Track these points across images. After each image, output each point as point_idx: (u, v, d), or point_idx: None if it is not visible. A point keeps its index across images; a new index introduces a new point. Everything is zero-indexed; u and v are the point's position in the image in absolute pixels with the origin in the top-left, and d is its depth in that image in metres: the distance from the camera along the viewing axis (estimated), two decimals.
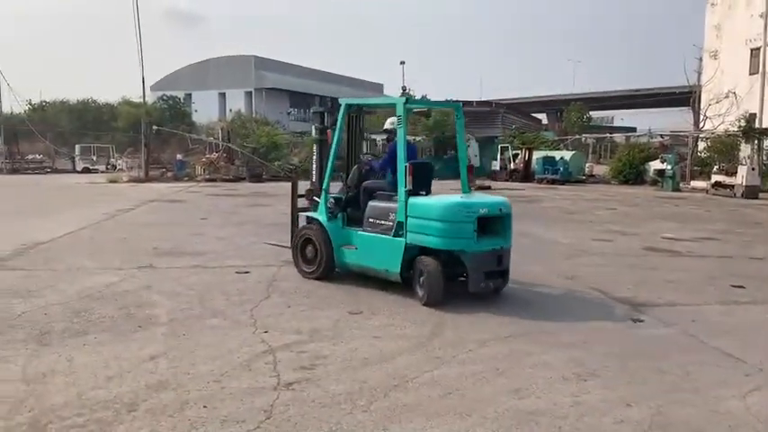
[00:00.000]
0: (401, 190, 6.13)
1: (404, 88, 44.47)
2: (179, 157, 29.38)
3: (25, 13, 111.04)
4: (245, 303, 5.87)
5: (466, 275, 6.08)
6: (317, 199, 7.09)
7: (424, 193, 6.44)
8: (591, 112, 56.66)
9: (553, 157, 29.55)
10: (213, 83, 52.49)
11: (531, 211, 15.51)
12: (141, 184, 23.91)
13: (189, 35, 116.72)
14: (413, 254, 6.10)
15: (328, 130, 7.25)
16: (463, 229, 5.86)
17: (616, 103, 58.12)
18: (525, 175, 29.57)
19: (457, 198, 6.47)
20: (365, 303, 5.93)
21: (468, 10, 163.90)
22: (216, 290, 6.41)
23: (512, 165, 30.94)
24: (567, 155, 30.34)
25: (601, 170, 31.96)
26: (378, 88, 64.01)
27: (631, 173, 28.20)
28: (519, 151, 31.25)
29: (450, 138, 31.55)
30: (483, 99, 44.29)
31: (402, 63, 41.71)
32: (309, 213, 7.22)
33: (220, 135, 30.32)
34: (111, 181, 25.18)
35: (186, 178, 25.98)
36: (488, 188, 24.16)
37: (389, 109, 7.92)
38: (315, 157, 7.50)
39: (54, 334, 4.90)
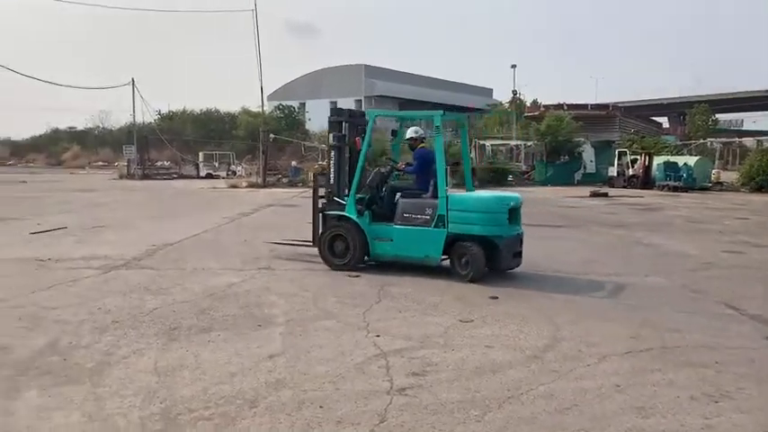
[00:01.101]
0: (442, 189, 7.34)
1: (514, 92, 43.70)
2: (293, 163, 30.55)
3: (154, 28, 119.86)
4: (356, 306, 5.98)
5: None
6: (338, 200, 7.92)
7: (428, 194, 7.66)
8: (717, 115, 53.00)
9: (675, 163, 27.85)
10: (325, 92, 54.17)
11: (652, 220, 14.71)
12: (259, 190, 25.06)
13: (305, 46, 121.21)
14: (450, 241, 7.28)
15: (357, 138, 8.04)
16: (500, 219, 7.29)
17: (746, 105, 54.00)
18: (645, 181, 28.07)
19: (491, 193, 8.25)
20: (476, 312, 5.86)
21: (581, 9, 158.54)
22: (329, 292, 6.58)
23: (630, 171, 29.48)
24: (692, 160, 28.51)
25: (729, 177, 29.77)
26: (487, 93, 63.37)
27: (764, 179, 26.01)
28: (638, 156, 29.73)
29: (563, 142, 30.66)
30: (598, 102, 42.60)
31: (513, 67, 40.90)
32: (336, 212, 7.93)
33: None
34: (232, 186, 26.57)
35: (300, 184, 26.92)
36: (605, 195, 23.13)
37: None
38: (332, 162, 8.13)
39: (182, 330, 5.21)
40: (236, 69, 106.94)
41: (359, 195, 7.80)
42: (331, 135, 8.21)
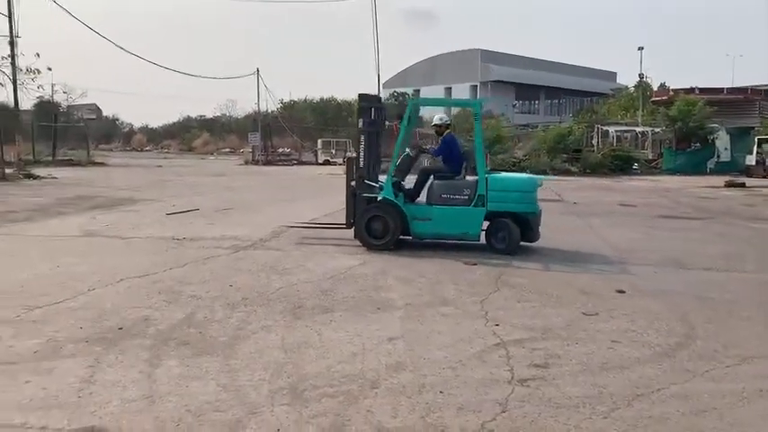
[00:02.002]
0: (482, 170, 8.09)
1: (641, 76, 41.30)
2: (407, 150, 30.67)
3: (277, 19, 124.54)
4: (474, 295, 5.92)
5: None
6: (369, 183, 8.36)
7: (459, 177, 8.41)
8: None
9: None
10: (440, 78, 53.95)
11: None
12: None
13: (421, 33, 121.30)
14: (487, 218, 8.07)
15: (396, 123, 8.79)
16: (532, 197, 8.26)
17: None
18: None
19: (523, 175, 9.78)
20: (601, 305, 5.62)
21: None
22: (446, 279, 6.57)
23: None
24: None
25: None
26: (610, 77, 60.34)
27: None
28: None
29: (694, 129, 28.62)
30: (735, 86, 39.33)
31: (640, 49, 38.65)
32: (375, 195, 8.32)
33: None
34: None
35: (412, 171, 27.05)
36: (742, 185, 21.39)
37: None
38: (362, 146, 8.46)
39: (305, 309, 5.41)
40: (353, 58, 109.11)
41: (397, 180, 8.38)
42: (360, 120, 8.53)
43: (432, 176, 8.53)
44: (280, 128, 43.15)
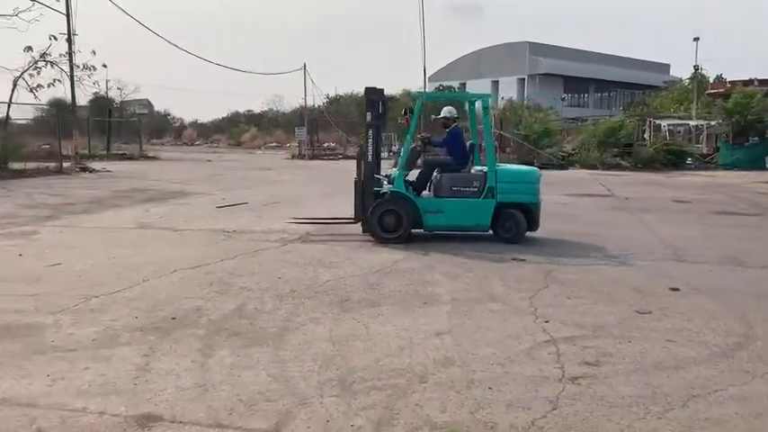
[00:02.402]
0: (492, 163, 8.39)
1: (696, 67, 39.93)
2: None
3: (324, 14, 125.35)
4: (523, 291, 5.85)
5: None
6: (378, 176, 8.48)
7: (465, 169, 8.68)
8: None
9: None
10: (487, 71, 53.35)
11: None
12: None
13: (468, 26, 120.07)
14: (495, 209, 8.28)
15: (407, 117, 8.76)
16: (537, 188, 8.53)
17: None
18: None
19: (528, 167, 10.02)
20: (655, 303, 5.48)
21: None
22: (493, 275, 6.50)
23: None
24: None
25: None
26: (663, 69, 58.65)
27: None
28: None
29: (753, 122, 27.57)
30: None
31: (695, 40, 37.35)
32: (387, 188, 8.38)
33: (492, 123, 30.72)
34: (393, 166, 27.16)
35: None
36: None
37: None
38: (371, 141, 8.46)
39: (352, 302, 5.45)
40: (398, 52, 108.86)
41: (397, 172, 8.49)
42: (368, 114, 8.50)
43: (436, 169, 8.65)
44: (325, 122, 43.45)
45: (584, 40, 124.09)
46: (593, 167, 24.29)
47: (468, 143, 9.00)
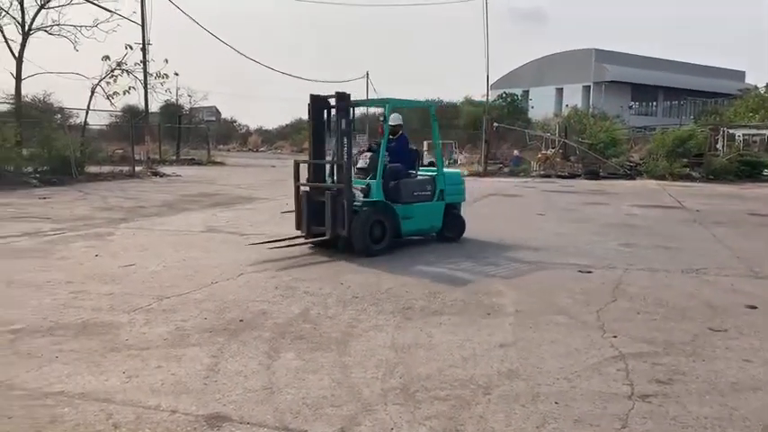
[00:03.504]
0: (440, 167, 9.03)
1: None
2: (516, 152, 30.09)
3: (385, 23, 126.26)
4: (590, 304, 5.71)
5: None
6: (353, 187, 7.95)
7: (413, 172, 8.95)
8: None
9: None
10: (551, 79, 52.42)
11: None
12: (480, 179, 25.16)
13: (531, 33, 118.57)
14: (444, 211, 8.91)
15: (381, 124, 8.98)
16: (464, 188, 9.48)
17: None
18: None
19: (455, 170, 11.25)
20: (730, 321, 5.24)
21: None
22: (559, 287, 6.37)
23: None
24: None
25: None
26: (737, 76, 56.21)
27: None
28: None
29: None
30: None
31: None
32: (367, 199, 8.00)
33: (557, 131, 30.20)
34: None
35: (521, 173, 26.50)
36: None
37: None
38: (345, 149, 7.91)
39: (414, 310, 5.44)
40: (459, 59, 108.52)
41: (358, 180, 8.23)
42: (343, 121, 7.89)
43: (397, 175, 8.48)
44: None
45: (653, 46, 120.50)
46: (662, 178, 23.48)
47: (412, 148, 9.29)
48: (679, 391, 3.80)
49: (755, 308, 5.65)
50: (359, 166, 8.36)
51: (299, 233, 8.24)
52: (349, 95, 8.08)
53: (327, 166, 8.31)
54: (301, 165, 8.41)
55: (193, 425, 3.28)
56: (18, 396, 3.62)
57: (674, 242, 9.23)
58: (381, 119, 8.64)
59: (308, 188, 8.16)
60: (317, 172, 8.26)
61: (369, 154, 8.52)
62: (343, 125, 7.90)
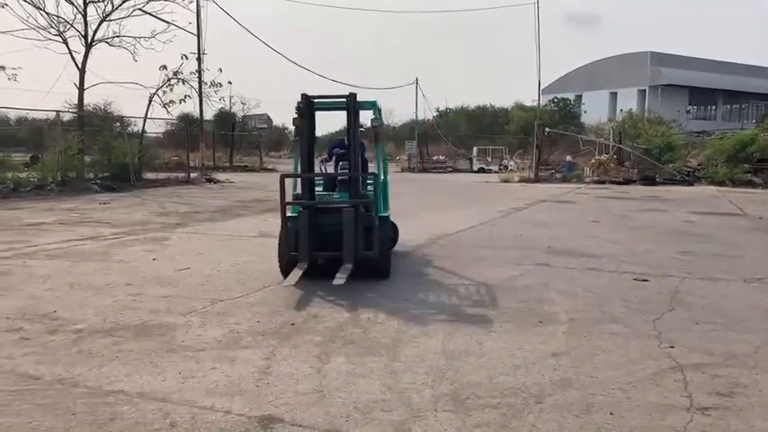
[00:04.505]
0: (387, 174, 8.01)
1: None
2: (568, 158, 29.60)
3: (436, 28, 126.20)
4: (646, 313, 5.55)
5: None
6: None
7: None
8: None
9: None
10: (604, 83, 51.41)
11: None
12: (531, 185, 24.88)
13: (584, 37, 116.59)
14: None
15: (378, 130, 7.49)
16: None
17: None
18: None
19: None
20: None
21: None
22: (614, 295, 6.23)
23: None
24: None
25: None
26: None
27: None
28: None
29: None
30: None
31: None
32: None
33: (611, 135, 29.57)
34: (504, 181, 26.81)
35: (575, 179, 26.04)
36: None
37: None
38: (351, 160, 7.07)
39: (465, 317, 5.41)
40: (510, 64, 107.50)
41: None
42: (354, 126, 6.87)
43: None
44: (435, 136, 43.66)
45: (711, 48, 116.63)
46: (722, 184, 22.69)
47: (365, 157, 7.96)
48: (740, 404, 3.66)
49: None
50: (340, 178, 7.45)
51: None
52: (373, 101, 7.22)
53: (308, 180, 6.97)
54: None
55: (246, 425, 3.34)
56: (80, 394, 3.76)
57: (735, 250, 8.90)
58: (374, 124, 7.43)
59: (305, 207, 6.64)
60: (314, 187, 7.13)
61: (343, 163, 7.65)
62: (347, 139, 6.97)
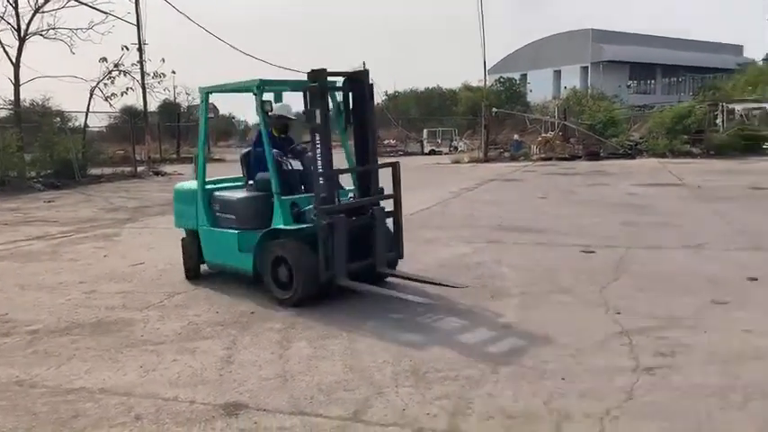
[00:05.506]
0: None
1: None
2: (516, 137, 30.11)
3: (381, 13, 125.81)
4: (593, 283, 5.80)
5: None
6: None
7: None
8: None
9: None
10: (548, 61, 52.28)
11: None
12: (481, 165, 25.24)
13: (528, 16, 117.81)
14: None
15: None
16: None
17: None
18: None
19: None
20: (732, 294, 5.33)
21: None
22: (562, 267, 6.47)
23: None
24: None
25: None
26: (735, 51, 56.01)
27: None
28: None
29: None
30: None
31: None
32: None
33: (556, 113, 30.20)
34: (455, 162, 27.10)
35: (522, 158, 26.53)
36: None
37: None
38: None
39: (421, 295, 5.50)
40: (456, 45, 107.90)
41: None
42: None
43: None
44: (385, 120, 43.73)
45: (650, 23, 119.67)
46: (663, 156, 23.50)
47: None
48: (682, 362, 3.89)
49: (756, 279, 5.74)
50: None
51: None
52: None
53: (297, 173, 6.05)
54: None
55: (212, 413, 3.39)
56: (40, 394, 3.74)
57: (676, 219, 9.31)
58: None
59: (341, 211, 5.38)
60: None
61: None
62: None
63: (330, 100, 5.68)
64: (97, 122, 28.86)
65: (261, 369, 3.97)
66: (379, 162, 5.89)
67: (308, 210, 5.35)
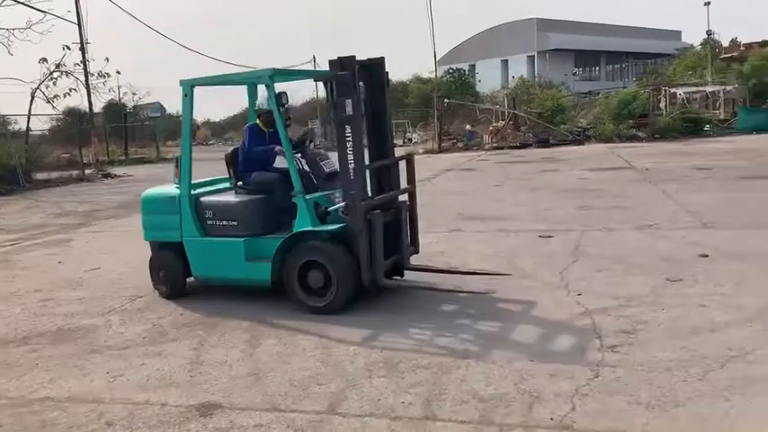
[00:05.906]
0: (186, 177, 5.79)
1: (708, 33, 39.46)
2: (468, 127, 30.40)
3: (333, 5, 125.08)
4: (553, 266, 5.94)
5: None
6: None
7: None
8: None
9: None
10: (496, 51, 52.97)
11: None
12: (435, 155, 25.40)
13: (476, 6, 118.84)
14: None
15: None
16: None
17: None
18: None
19: None
20: (685, 271, 5.54)
21: None
22: (522, 252, 6.61)
23: None
24: None
25: None
26: (674, 36, 57.81)
27: None
28: None
29: None
30: None
31: (707, 4, 36.86)
32: None
33: (505, 103, 30.64)
34: (409, 153, 27.22)
35: (475, 147, 26.82)
36: None
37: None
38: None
39: (386, 286, 5.56)
40: (406, 37, 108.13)
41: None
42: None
43: None
44: None
45: (593, 11, 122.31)
46: (610, 141, 24.12)
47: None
48: (644, 339, 4.04)
49: (707, 256, 5.98)
50: (328, 170, 5.71)
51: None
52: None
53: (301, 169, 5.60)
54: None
55: (186, 415, 3.35)
56: (3, 405, 3.63)
57: (627, 201, 9.59)
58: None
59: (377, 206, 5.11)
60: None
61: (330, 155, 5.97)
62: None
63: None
64: (40, 125, 27.88)
65: (231, 368, 3.94)
66: None
67: (338, 208, 5.01)
